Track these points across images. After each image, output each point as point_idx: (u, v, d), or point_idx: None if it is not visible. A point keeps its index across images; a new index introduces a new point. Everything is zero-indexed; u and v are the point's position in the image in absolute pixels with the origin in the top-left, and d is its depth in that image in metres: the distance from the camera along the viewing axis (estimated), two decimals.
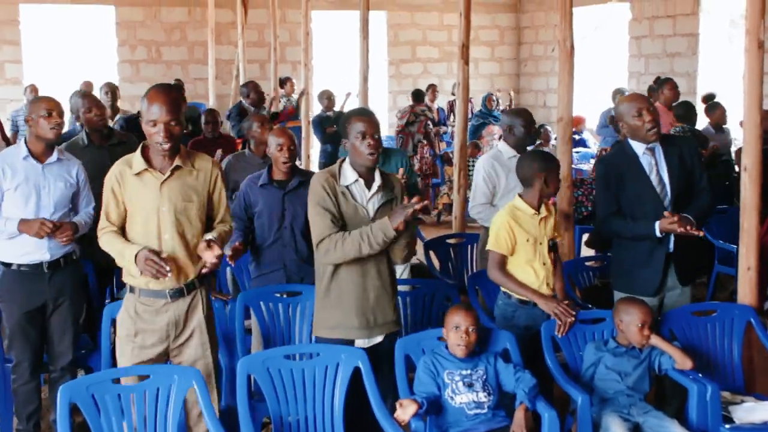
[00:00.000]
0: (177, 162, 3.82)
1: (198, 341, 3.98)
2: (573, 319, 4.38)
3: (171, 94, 3.78)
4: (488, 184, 5.55)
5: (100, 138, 5.79)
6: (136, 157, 3.84)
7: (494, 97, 12.48)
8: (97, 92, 10.90)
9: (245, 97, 9.75)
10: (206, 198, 3.95)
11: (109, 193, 3.85)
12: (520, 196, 4.56)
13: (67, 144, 5.79)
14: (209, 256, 3.77)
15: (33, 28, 14.94)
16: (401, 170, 5.61)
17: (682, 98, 9.18)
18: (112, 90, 9.12)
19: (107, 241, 3.86)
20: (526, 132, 5.61)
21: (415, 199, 3.81)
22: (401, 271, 5.62)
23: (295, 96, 13.71)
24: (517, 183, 5.45)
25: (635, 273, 4.69)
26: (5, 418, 4.88)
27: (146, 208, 3.81)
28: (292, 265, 4.98)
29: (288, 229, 4.96)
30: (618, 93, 10.98)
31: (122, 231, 3.88)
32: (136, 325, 3.88)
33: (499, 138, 10.69)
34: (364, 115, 4.10)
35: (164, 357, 3.97)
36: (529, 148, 5.75)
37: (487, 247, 4.56)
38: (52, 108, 4.53)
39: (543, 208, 4.52)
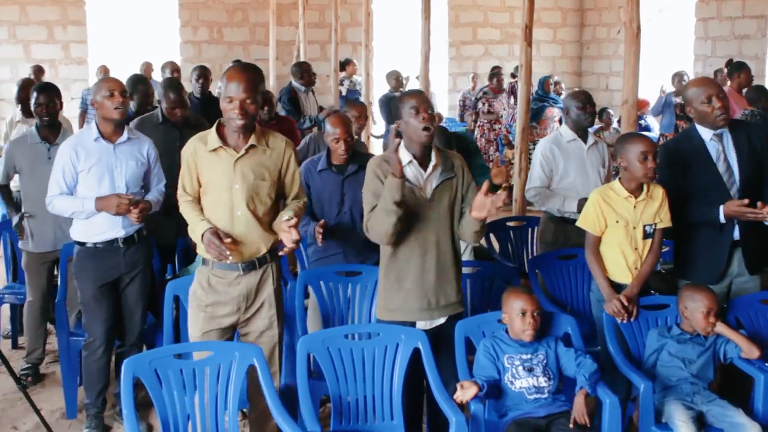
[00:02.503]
0: (251, 141, 3.88)
1: (267, 313, 4.03)
2: (625, 318, 4.36)
3: (249, 73, 3.83)
4: (545, 168, 5.55)
5: (176, 118, 5.83)
6: (211, 135, 3.91)
7: (552, 81, 12.34)
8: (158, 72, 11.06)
9: (297, 78, 9.64)
10: (278, 176, 4.00)
11: (185, 166, 3.94)
12: (619, 178, 4.48)
13: (141, 119, 5.85)
14: (287, 240, 3.80)
15: (98, 8, 15.16)
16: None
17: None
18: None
19: (185, 210, 3.96)
20: (581, 113, 5.59)
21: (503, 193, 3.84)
22: (462, 250, 5.58)
23: (356, 77, 13.68)
24: (575, 168, 5.46)
25: (698, 260, 4.60)
26: (70, 388, 5.00)
27: (220, 184, 3.88)
28: (352, 250, 4.96)
29: (348, 213, 4.95)
30: (677, 77, 10.70)
31: (198, 202, 3.97)
32: (209, 297, 3.96)
33: (559, 121, 10.66)
34: (415, 92, 4.13)
35: (233, 328, 4.05)
36: (591, 131, 5.71)
37: (577, 224, 4.56)
38: (114, 88, 4.59)
39: (644, 193, 4.40)
